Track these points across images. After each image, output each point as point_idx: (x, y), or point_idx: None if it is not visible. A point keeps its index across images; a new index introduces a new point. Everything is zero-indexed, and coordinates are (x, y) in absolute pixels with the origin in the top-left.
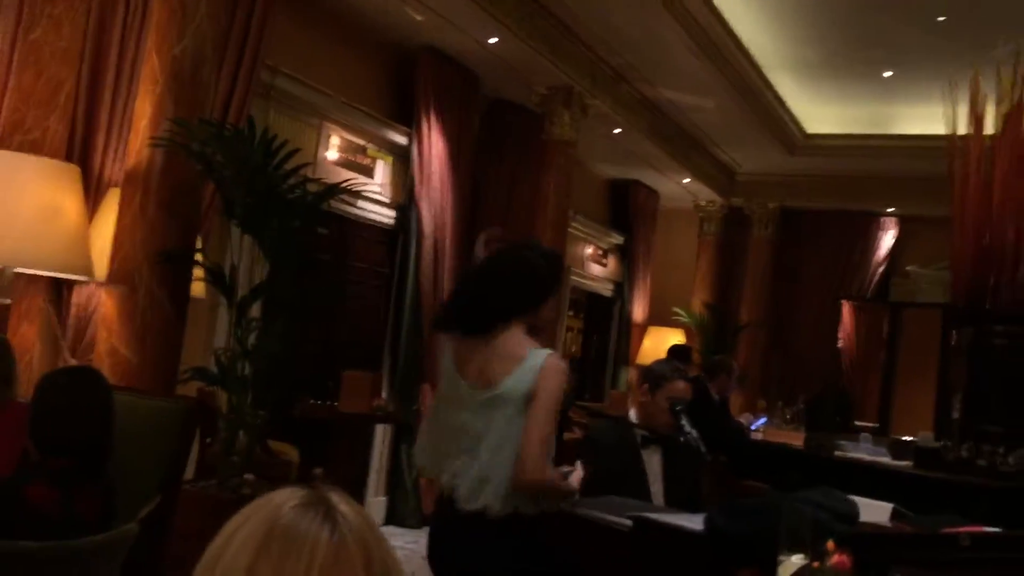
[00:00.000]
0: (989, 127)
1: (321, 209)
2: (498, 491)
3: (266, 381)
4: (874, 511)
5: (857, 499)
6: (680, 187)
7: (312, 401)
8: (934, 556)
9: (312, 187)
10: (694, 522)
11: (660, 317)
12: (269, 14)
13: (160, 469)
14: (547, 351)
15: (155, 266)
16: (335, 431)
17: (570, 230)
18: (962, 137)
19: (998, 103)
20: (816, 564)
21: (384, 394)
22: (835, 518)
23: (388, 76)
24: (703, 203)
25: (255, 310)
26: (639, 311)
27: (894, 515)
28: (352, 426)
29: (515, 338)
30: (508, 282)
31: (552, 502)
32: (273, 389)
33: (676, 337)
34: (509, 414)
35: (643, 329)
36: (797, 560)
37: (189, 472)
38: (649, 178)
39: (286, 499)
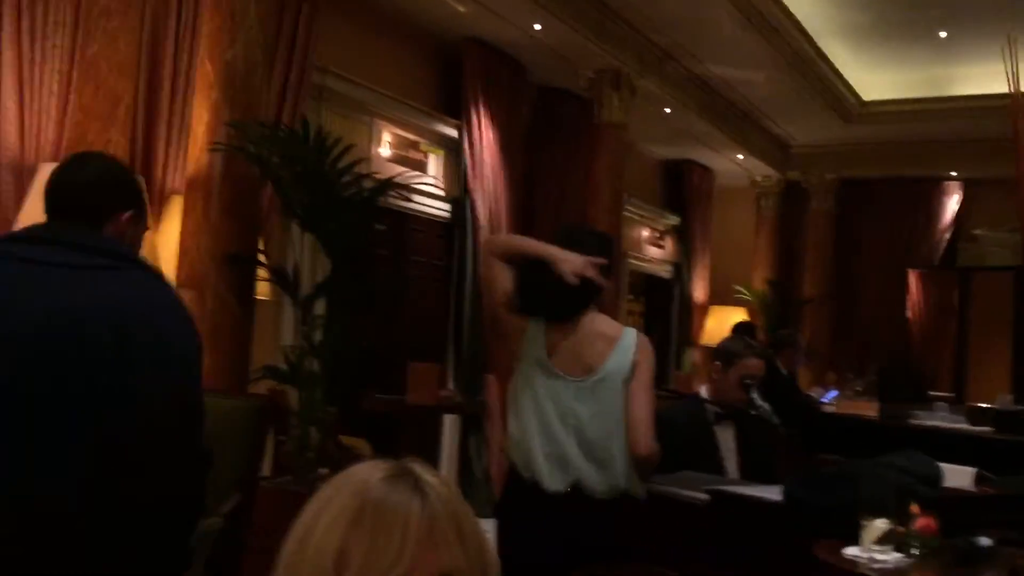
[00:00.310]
0: None
1: (377, 205)
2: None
3: (334, 376)
4: (957, 476)
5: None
6: (735, 164)
7: (379, 395)
8: (1020, 517)
9: (367, 184)
10: (771, 493)
11: (721, 296)
12: (316, 16)
13: (238, 467)
14: (632, 328)
15: (221, 269)
16: (403, 423)
17: (625, 213)
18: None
19: None
20: (901, 529)
21: (450, 385)
22: (919, 481)
23: (435, 69)
24: (759, 179)
25: (319, 307)
26: (699, 291)
27: (978, 479)
28: (420, 417)
29: (601, 318)
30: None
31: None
32: (341, 384)
33: (739, 316)
34: (618, 394)
35: (704, 309)
36: (881, 524)
37: (265, 470)
38: (703, 156)
39: (372, 472)
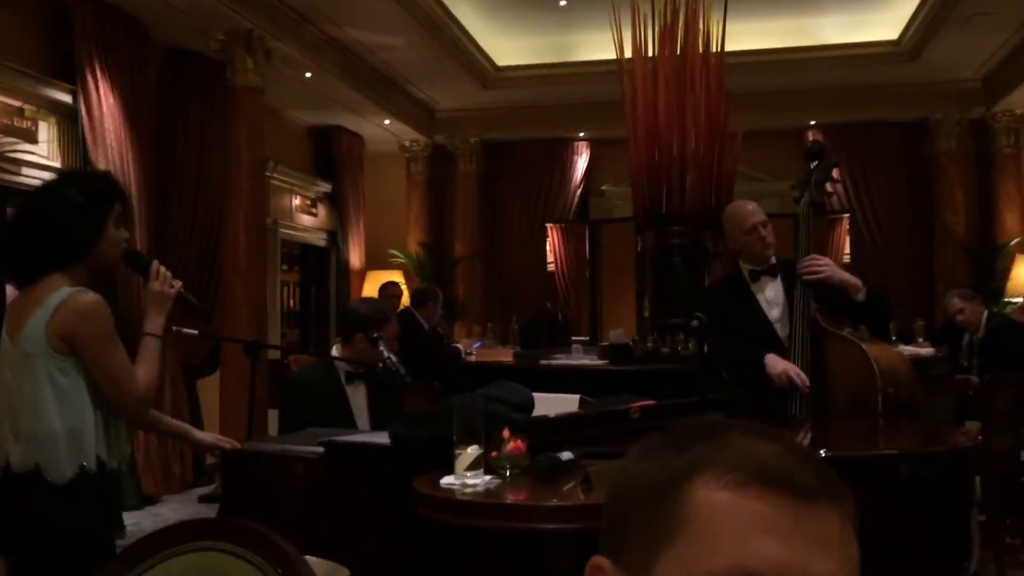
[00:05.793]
0: (651, 49)
1: None
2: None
3: None
4: (565, 403)
5: (547, 395)
6: (383, 129)
7: None
8: (608, 431)
9: None
10: (381, 438)
11: (378, 261)
12: None
13: None
14: (70, 289)
15: None
16: None
17: (273, 182)
18: (628, 60)
19: (656, 25)
20: (495, 453)
21: None
22: (511, 408)
23: (42, 29)
24: (407, 143)
25: None
26: (356, 257)
27: (581, 404)
28: None
29: (55, 282)
30: (45, 226)
31: None
32: None
33: (395, 278)
34: (37, 358)
35: (362, 274)
36: (472, 451)
37: None
38: (350, 122)
39: None
